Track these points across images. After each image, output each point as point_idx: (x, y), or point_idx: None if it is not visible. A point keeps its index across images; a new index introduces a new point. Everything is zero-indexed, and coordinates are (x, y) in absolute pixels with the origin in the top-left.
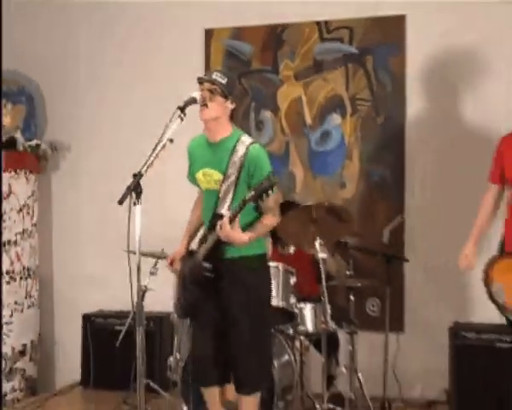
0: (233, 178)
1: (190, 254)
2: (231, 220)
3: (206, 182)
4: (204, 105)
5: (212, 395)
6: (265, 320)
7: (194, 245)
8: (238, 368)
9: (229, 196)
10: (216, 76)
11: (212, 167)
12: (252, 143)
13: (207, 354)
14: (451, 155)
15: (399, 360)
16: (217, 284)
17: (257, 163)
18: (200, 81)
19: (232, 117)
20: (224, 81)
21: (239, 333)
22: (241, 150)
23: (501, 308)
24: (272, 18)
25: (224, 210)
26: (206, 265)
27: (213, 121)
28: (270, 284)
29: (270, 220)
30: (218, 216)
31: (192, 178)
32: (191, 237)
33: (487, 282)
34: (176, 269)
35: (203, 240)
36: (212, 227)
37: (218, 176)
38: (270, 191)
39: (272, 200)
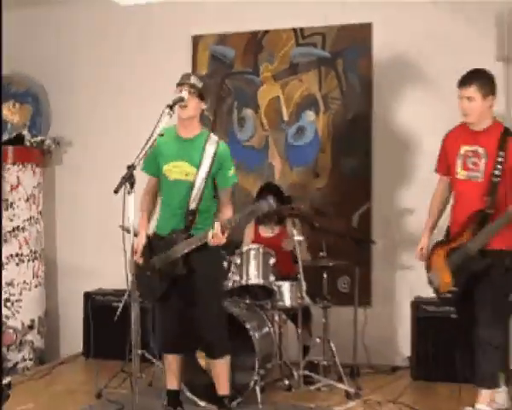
0: (205, 172)
1: (153, 244)
2: (223, 231)
3: (177, 173)
4: (185, 106)
5: (172, 361)
6: (223, 295)
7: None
8: (208, 336)
9: (201, 187)
10: (194, 80)
11: (184, 160)
12: (219, 141)
13: (174, 328)
14: (413, 149)
15: (367, 331)
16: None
17: (224, 159)
18: (181, 83)
19: (201, 117)
20: (200, 85)
21: (208, 308)
22: (211, 147)
23: (435, 291)
24: (253, 25)
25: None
26: (181, 264)
27: (189, 120)
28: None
29: (231, 211)
30: (192, 213)
31: (153, 168)
32: (147, 226)
33: (427, 269)
34: (139, 260)
35: (177, 234)
36: (189, 223)
37: (189, 168)
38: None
39: (231, 193)
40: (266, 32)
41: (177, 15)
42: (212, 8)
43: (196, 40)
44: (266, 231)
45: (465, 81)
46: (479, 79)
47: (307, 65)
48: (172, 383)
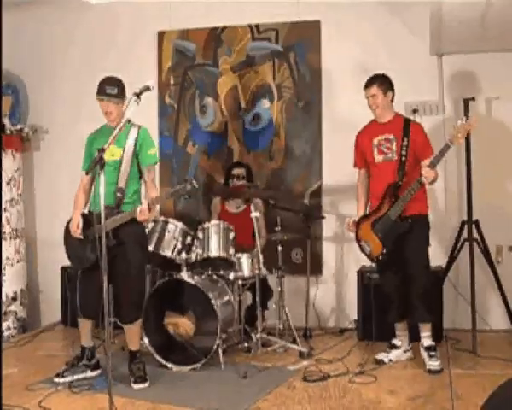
0: (130, 151)
1: (88, 219)
2: (150, 209)
3: (106, 155)
4: (110, 113)
5: (87, 324)
6: (145, 265)
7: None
8: (124, 305)
9: (128, 166)
10: (109, 90)
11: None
12: (141, 126)
13: (95, 297)
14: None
15: (318, 297)
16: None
17: (144, 139)
18: (99, 97)
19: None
20: (114, 92)
21: (129, 278)
22: (134, 130)
23: (368, 257)
24: (213, 22)
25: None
26: (110, 236)
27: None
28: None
29: (155, 191)
30: (121, 190)
31: (89, 163)
32: (80, 210)
33: (357, 239)
34: (78, 235)
35: (108, 210)
36: (118, 200)
37: (115, 150)
38: (190, 195)
39: (153, 174)
40: (225, 27)
41: (144, 13)
42: (175, 6)
43: (161, 36)
44: (232, 208)
45: (368, 84)
46: (378, 80)
47: (262, 58)
48: (86, 341)
